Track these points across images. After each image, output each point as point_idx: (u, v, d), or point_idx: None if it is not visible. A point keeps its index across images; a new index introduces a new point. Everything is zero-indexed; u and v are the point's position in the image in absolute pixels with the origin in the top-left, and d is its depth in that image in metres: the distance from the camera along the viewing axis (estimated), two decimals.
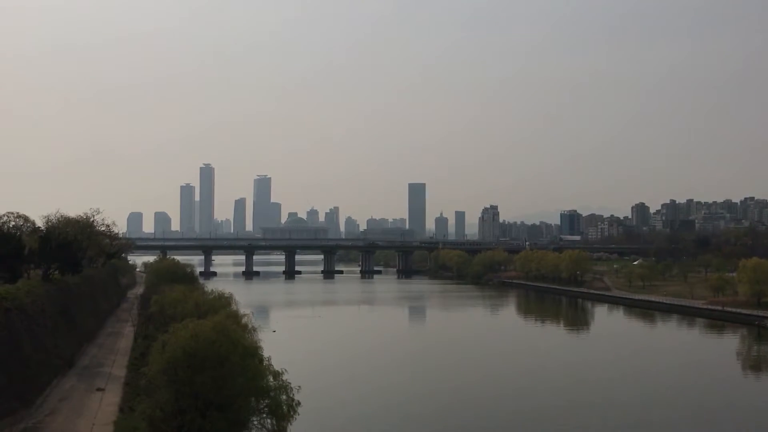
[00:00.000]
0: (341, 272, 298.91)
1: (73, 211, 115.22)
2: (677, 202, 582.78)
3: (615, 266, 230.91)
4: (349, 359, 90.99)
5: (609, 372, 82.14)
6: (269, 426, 36.96)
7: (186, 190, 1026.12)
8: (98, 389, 51.11)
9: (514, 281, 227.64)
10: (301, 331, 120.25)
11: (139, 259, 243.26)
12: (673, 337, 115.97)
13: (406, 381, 75.80)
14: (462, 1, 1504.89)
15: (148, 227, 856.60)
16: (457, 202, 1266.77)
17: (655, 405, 63.77)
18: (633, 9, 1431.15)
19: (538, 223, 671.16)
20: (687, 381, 76.84)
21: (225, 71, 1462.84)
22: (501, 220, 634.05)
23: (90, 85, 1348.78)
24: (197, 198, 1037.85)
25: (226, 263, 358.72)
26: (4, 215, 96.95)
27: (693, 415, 61.09)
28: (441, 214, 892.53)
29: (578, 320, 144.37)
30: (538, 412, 61.54)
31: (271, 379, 36.99)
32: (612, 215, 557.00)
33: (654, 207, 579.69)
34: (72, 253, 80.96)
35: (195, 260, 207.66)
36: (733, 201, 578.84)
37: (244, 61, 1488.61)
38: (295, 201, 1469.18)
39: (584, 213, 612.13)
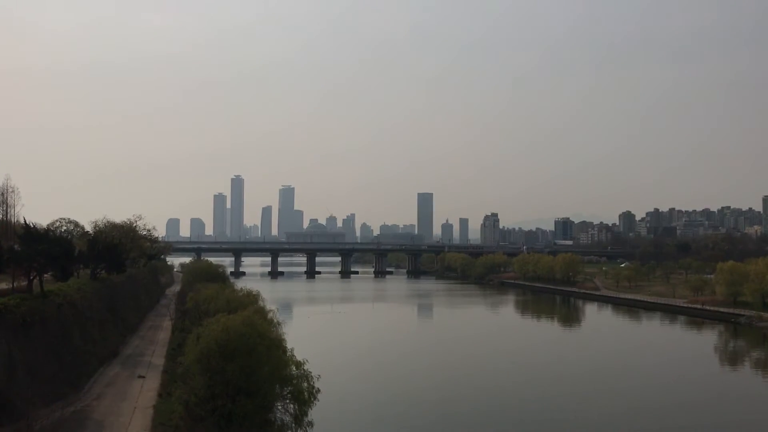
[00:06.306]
0: (357, 272, 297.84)
1: (118, 217, 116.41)
2: (660, 211, 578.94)
3: (604, 268, 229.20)
4: (364, 350, 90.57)
5: (601, 363, 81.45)
6: (292, 410, 36.93)
7: (219, 199, 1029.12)
8: (140, 376, 51.31)
9: (513, 281, 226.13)
10: (321, 325, 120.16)
11: (176, 260, 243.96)
12: (658, 332, 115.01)
13: (417, 371, 75.24)
14: (465, 27, 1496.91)
15: (185, 232, 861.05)
16: (461, 210, 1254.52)
17: (644, 393, 63.15)
18: (619, 38, 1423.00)
19: (534, 229, 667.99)
20: (674, 370, 75.87)
21: (252, 90, 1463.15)
22: (501, 227, 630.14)
23: (133, 103, 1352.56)
24: (229, 206, 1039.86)
25: (254, 264, 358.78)
26: (57, 221, 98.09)
27: (680, 401, 60.38)
28: (447, 220, 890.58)
29: (571, 317, 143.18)
30: (537, 401, 61.04)
31: (294, 368, 36.95)
32: (601, 222, 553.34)
33: (639, 215, 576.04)
34: (117, 254, 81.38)
35: (226, 261, 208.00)
36: (711, 210, 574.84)
37: (269, 81, 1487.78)
38: (315, 209, 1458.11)
39: (576, 220, 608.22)
